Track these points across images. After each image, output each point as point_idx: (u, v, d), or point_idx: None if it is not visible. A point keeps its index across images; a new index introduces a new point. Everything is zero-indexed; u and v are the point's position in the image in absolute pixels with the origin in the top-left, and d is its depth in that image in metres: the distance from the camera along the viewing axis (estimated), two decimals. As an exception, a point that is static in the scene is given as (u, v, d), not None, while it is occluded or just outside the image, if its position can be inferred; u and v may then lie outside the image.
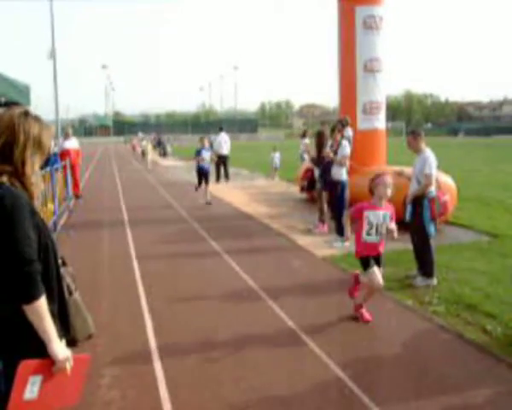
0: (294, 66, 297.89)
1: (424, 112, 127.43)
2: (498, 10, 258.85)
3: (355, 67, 10.44)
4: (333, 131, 8.57)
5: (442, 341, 4.19)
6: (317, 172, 9.14)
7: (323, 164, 8.56)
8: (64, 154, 13.10)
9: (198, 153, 12.29)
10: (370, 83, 10.46)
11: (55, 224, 9.32)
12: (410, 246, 6.19)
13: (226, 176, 17.40)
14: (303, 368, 3.85)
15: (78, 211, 11.88)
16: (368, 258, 4.60)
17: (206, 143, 12.45)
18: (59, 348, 1.91)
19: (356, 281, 4.97)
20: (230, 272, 6.46)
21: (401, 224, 5.36)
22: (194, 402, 3.38)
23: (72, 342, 2.19)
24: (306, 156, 13.72)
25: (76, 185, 13.95)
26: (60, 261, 2.14)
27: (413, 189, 5.88)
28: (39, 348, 1.88)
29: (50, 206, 9.19)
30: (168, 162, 30.23)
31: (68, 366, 1.94)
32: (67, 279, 2.28)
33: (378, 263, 4.66)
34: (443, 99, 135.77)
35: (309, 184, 10.80)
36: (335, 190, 8.13)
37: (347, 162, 8.15)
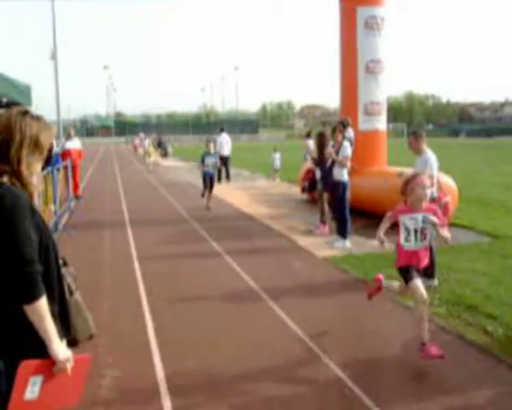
0: (295, 66, 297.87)
1: (425, 113, 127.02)
2: (500, 11, 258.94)
3: (356, 67, 10.41)
4: (334, 131, 8.57)
5: (443, 342, 4.18)
6: (318, 173, 9.14)
7: (326, 165, 8.57)
8: (65, 154, 13.10)
9: (202, 160, 11.87)
10: (372, 84, 10.43)
11: (56, 224, 9.32)
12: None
13: (227, 177, 17.44)
14: (303, 368, 3.85)
15: (79, 211, 11.89)
16: (408, 268, 3.99)
17: (212, 148, 12.05)
18: (59, 348, 1.91)
19: (378, 287, 4.57)
20: (231, 272, 6.47)
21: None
22: (194, 403, 3.39)
23: (72, 343, 2.19)
24: (309, 157, 13.70)
25: (76, 186, 13.92)
26: (61, 262, 2.13)
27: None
28: (40, 349, 1.87)
29: (51, 206, 9.20)
30: (169, 163, 30.25)
31: (69, 366, 1.93)
32: (68, 279, 2.28)
33: (425, 275, 4.12)
34: (444, 100, 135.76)
35: (310, 185, 10.78)
36: (336, 190, 8.13)
37: (348, 163, 8.15)
